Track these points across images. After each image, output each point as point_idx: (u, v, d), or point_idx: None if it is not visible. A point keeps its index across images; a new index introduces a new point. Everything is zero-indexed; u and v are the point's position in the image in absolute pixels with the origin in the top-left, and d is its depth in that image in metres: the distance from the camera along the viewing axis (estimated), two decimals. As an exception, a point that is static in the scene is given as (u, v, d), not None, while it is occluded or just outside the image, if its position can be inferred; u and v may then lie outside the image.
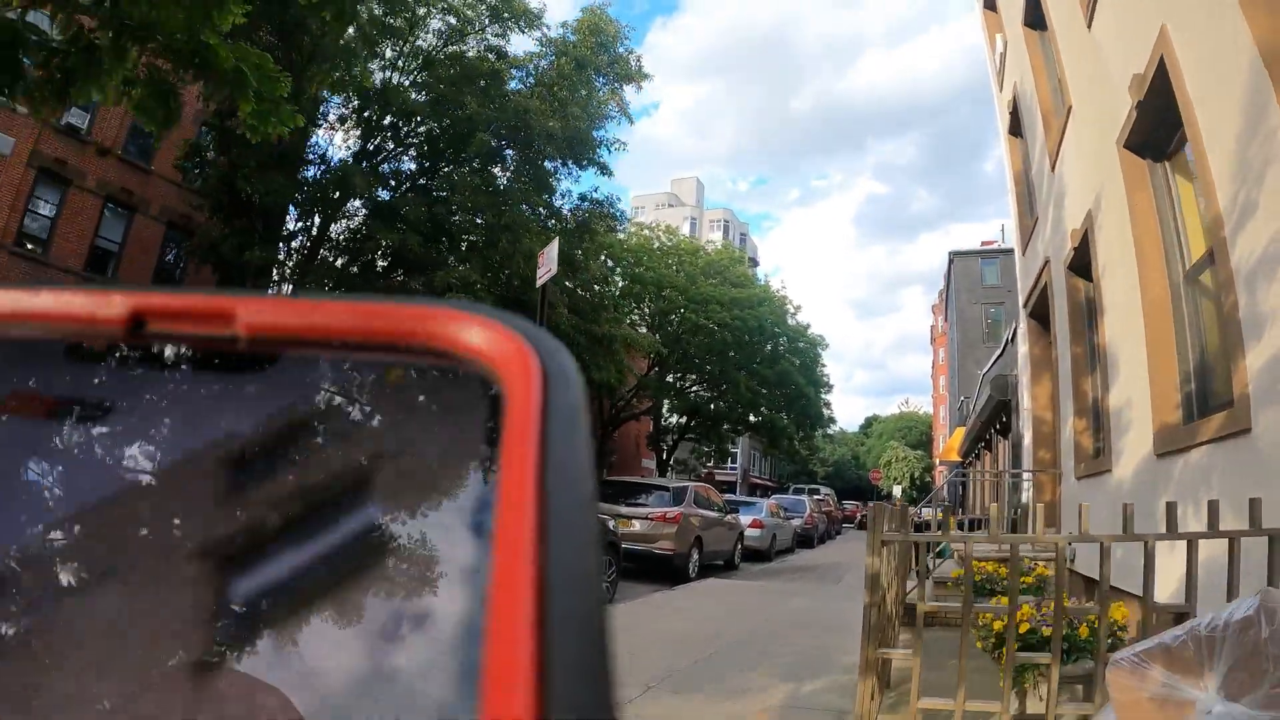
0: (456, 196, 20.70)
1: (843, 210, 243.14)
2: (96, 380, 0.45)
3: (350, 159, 21.21)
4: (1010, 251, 46.27)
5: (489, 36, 22.12)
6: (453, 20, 21.46)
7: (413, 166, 22.69)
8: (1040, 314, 13.40)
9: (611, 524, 13.09)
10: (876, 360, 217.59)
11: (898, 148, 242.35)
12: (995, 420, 18.77)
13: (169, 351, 0.43)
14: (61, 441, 0.44)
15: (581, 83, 22.20)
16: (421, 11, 20.60)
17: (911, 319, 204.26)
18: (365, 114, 21.02)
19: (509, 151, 21.65)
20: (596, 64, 22.59)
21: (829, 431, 55.98)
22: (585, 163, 23.26)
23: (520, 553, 0.32)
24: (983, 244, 49.92)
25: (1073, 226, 9.89)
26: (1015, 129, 15.34)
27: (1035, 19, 12.49)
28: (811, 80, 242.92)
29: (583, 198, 24.58)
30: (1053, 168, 11.33)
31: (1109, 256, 8.46)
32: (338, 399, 0.43)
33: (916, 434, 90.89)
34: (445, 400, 0.41)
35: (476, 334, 0.39)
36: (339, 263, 21.74)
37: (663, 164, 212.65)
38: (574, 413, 0.37)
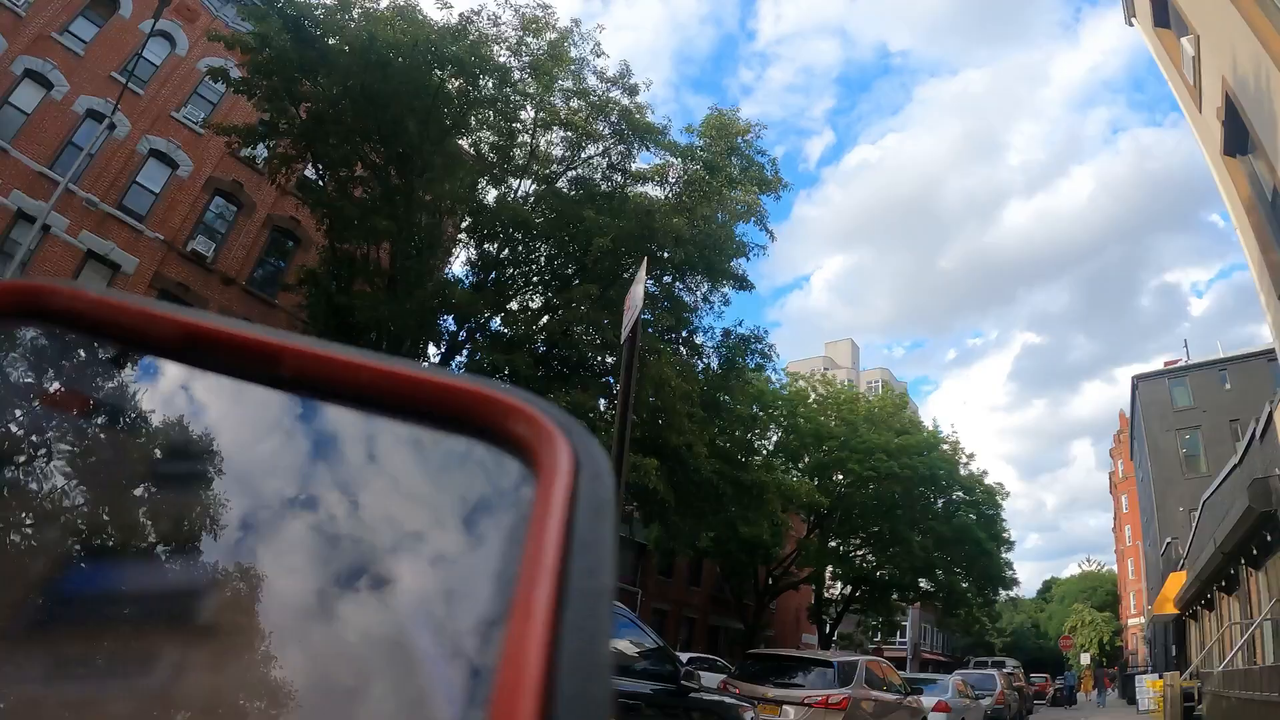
0: (575, 310, 18.28)
1: (1000, 366, 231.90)
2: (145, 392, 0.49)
3: (470, 286, 19.50)
4: (1209, 365, 40.80)
5: (611, 156, 20.25)
6: (571, 135, 19.79)
7: (537, 301, 20.66)
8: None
9: (750, 715, 8.91)
10: (1048, 521, 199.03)
11: (1050, 296, 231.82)
12: (1245, 549, 13.93)
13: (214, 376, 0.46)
14: (106, 443, 0.50)
15: (713, 190, 19.81)
16: (535, 139, 19.16)
17: (1082, 473, 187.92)
18: (480, 230, 19.29)
19: (631, 259, 19.19)
20: (728, 170, 20.15)
21: (1012, 594, 49.67)
22: (720, 277, 20.50)
23: (532, 634, 0.32)
24: (1166, 364, 43.82)
25: None
26: (1235, 145, 11.76)
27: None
28: (957, 237, 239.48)
29: (727, 332, 21.74)
30: None
31: None
32: (370, 453, 0.44)
33: (1102, 594, 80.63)
34: (475, 473, 0.42)
35: (514, 416, 0.39)
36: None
37: (817, 335, 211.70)
38: (602, 504, 0.37)
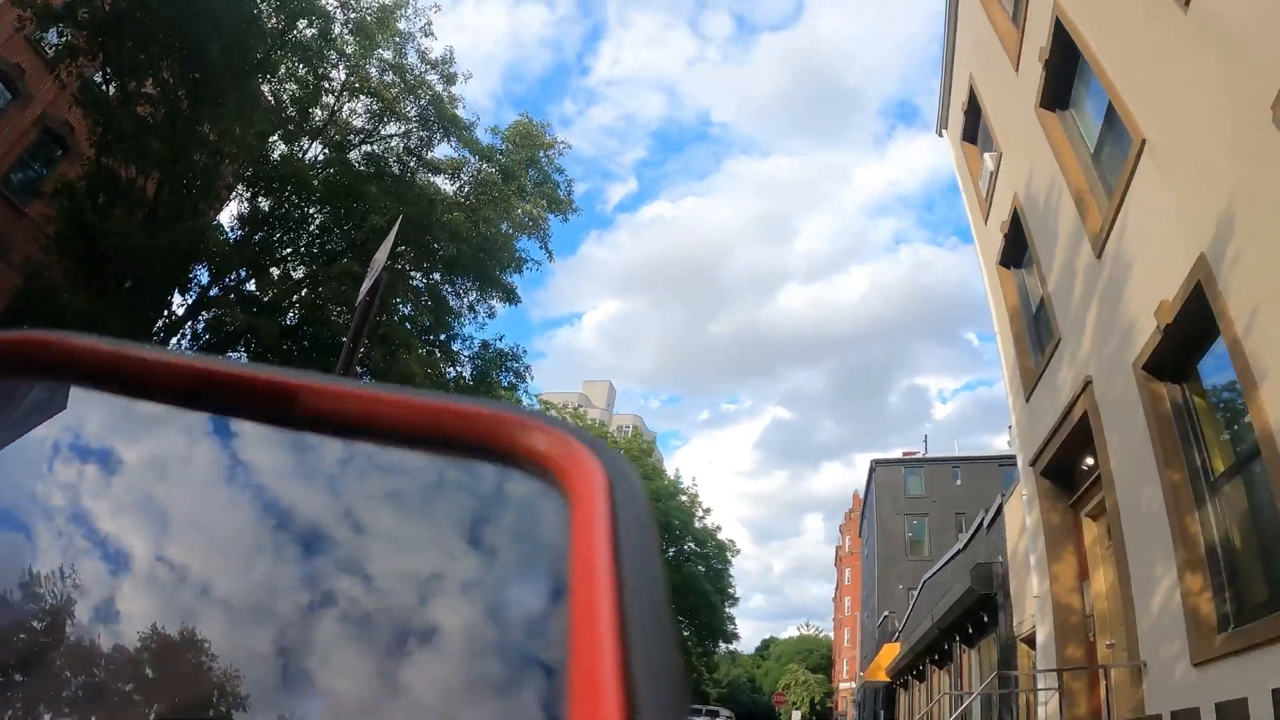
0: (334, 287, 17.12)
1: (749, 434, 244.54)
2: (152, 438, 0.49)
3: (234, 241, 17.77)
4: (943, 461, 44.99)
5: (411, 140, 19.36)
6: (376, 107, 18.70)
7: (300, 272, 19.23)
8: (1061, 470, 10.16)
9: None
10: (774, 585, 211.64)
11: (808, 377, 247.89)
12: (961, 627, 15.06)
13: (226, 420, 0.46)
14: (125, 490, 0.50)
15: (503, 197, 19.34)
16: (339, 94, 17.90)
17: (811, 544, 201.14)
18: (258, 182, 17.72)
19: (404, 247, 18.28)
20: (522, 180, 19.81)
21: (732, 648, 51.75)
22: (490, 286, 20.01)
23: (602, 656, 0.31)
24: (905, 454, 47.84)
25: (1163, 298, 6.85)
26: (1011, 257, 12.81)
27: (1058, 95, 10.13)
28: (732, 307, 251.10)
29: (485, 344, 21.17)
30: (1099, 253, 8.50)
31: (1258, 291, 5.41)
32: (396, 488, 0.44)
33: (817, 657, 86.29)
34: (506, 500, 0.41)
35: (541, 438, 0.39)
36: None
37: (578, 373, 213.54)
38: (643, 521, 0.37)
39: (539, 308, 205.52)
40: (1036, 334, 11.81)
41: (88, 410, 0.51)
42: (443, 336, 20.39)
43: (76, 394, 0.51)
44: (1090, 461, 9.50)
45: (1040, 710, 9.36)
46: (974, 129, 15.05)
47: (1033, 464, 10.64)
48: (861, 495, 60.25)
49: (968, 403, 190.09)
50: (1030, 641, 11.36)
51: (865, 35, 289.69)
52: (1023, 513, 11.30)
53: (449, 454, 0.41)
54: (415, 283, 19.35)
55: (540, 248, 20.55)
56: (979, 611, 13.21)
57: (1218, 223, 6.14)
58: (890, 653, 26.16)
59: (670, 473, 39.32)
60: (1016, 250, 12.64)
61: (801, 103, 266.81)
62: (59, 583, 0.47)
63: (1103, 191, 8.92)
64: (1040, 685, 9.22)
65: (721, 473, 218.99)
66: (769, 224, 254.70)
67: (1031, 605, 10.74)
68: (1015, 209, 12.05)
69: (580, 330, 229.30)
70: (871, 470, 47.34)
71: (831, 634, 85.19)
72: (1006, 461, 40.93)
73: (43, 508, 0.50)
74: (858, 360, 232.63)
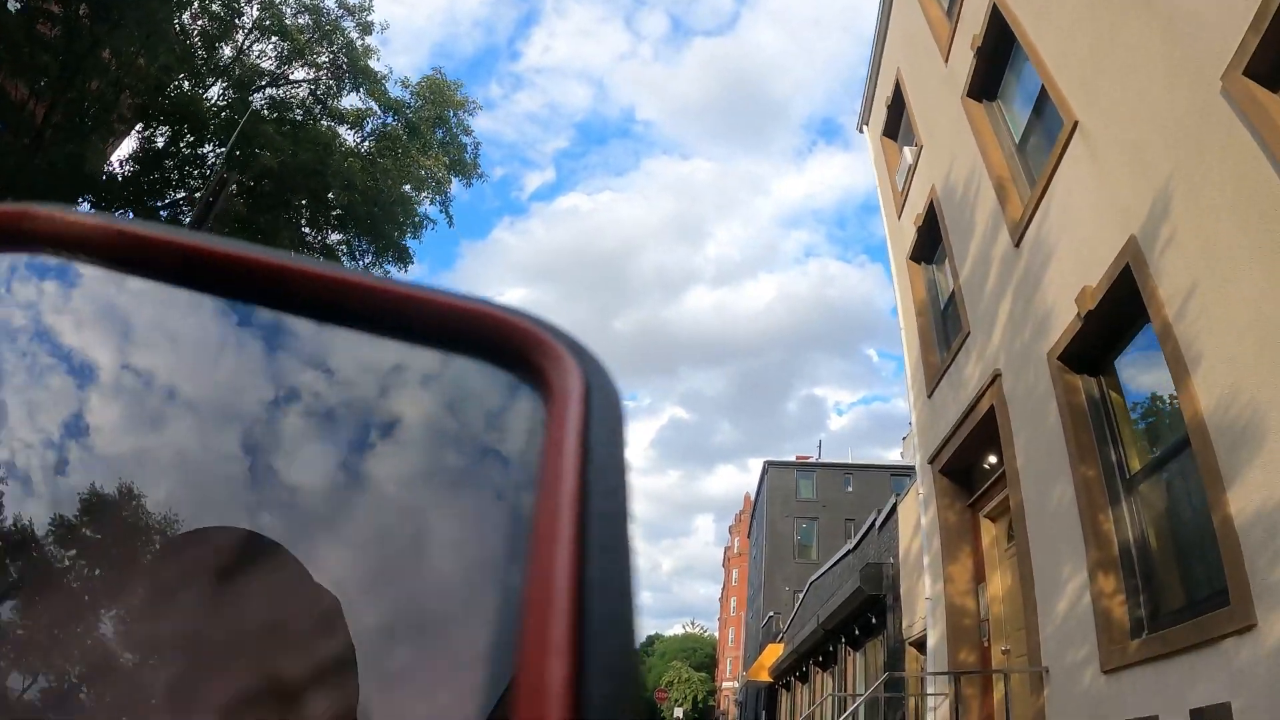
0: (219, 230, 15.72)
1: (646, 431, 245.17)
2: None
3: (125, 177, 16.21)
4: (836, 467, 45.49)
5: (318, 89, 18.10)
6: (286, 50, 17.35)
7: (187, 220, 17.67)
8: (961, 469, 9.86)
9: None
10: (661, 583, 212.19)
11: (708, 379, 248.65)
12: (847, 628, 14.79)
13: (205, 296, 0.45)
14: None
15: (406, 153, 18.26)
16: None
17: (701, 545, 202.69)
18: (154, 115, 16.20)
19: (296, 195, 16.99)
20: (428, 138, 18.77)
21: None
22: (387, 248, 18.90)
23: (559, 557, 0.32)
24: (798, 458, 48.19)
25: (1086, 284, 6.51)
26: (922, 252, 12.56)
27: (987, 85, 9.83)
28: (638, 304, 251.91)
29: None
30: (1017, 242, 8.19)
31: (1194, 273, 5.05)
32: (378, 376, 0.44)
33: (701, 655, 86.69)
34: (484, 395, 0.41)
35: (521, 336, 0.39)
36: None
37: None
38: (615, 426, 0.37)
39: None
40: (944, 329, 11.57)
41: (72, 283, 0.50)
42: None
43: (59, 267, 0.49)
44: (994, 460, 9.20)
45: (930, 716, 9.00)
46: (895, 124, 14.86)
47: (931, 461, 10.32)
48: (753, 497, 60.65)
49: (862, 416, 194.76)
50: (920, 645, 11.07)
51: (797, 50, 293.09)
52: (918, 512, 11.00)
53: (432, 345, 0.41)
54: (308, 238, 18.05)
55: (440, 211, 19.51)
56: (867, 613, 12.92)
57: (1152, 203, 5.78)
58: (773, 653, 26.02)
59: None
60: (929, 245, 12.43)
61: (727, 109, 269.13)
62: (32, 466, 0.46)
63: (1025, 180, 8.64)
64: (930, 690, 8.86)
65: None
66: (683, 226, 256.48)
67: (923, 607, 10.43)
68: (931, 201, 11.79)
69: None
70: (764, 471, 47.43)
71: (717, 634, 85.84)
72: (899, 471, 41.87)
73: (22, 381, 0.49)
74: (759, 366, 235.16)
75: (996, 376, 8.55)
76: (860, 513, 38.70)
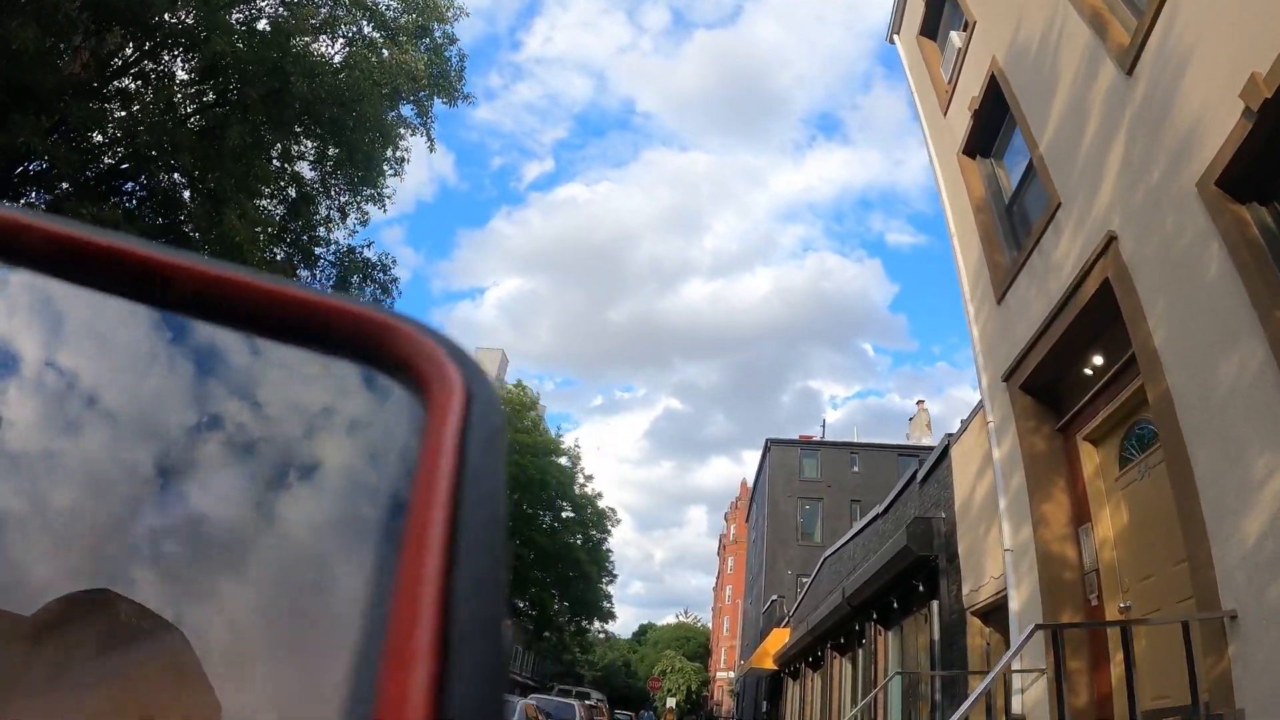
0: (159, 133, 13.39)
1: (640, 423, 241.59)
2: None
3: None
4: (842, 446, 43.06)
5: None
6: None
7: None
8: (1048, 383, 7.70)
9: None
10: (654, 573, 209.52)
11: (702, 371, 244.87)
12: (880, 601, 12.56)
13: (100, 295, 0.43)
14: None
15: (383, 60, 15.86)
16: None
17: (693, 536, 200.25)
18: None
19: (251, 87, 14.53)
20: (409, 51, 16.30)
21: (606, 628, 49.46)
22: (363, 166, 16.61)
23: (428, 562, 0.32)
24: (801, 437, 45.92)
25: (1255, 69, 4.45)
26: (977, 144, 10.40)
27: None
28: (634, 295, 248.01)
29: (351, 249, 17.76)
30: (1130, 69, 6.21)
31: None
32: (257, 376, 0.42)
33: (694, 646, 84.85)
34: (364, 399, 0.40)
35: (405, 341, 0.38)
36: None
37: (474, 345, 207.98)
38: (494, 434, 0.37)
39: (440, 279, 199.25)
40: (1010, 226, 9.42)
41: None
42: (299, 226, 16.78)
43: None
44: (1099, 360, 7.04)
45: (1016, 701, 6.81)
46: (935, 19, 12.74)
47: (1007, 379, 8.12)
48: (750, 484, 58.56)
49: (857, 410, 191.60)
50: (986, 614, 8.88)
51: (798, 44, 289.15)
52: (985, 447, 8.82)
53: (314, 348, 0.39)
54: (267, 140, 15.54)
55: (418, 118, 17.16)
56: (911, 581, 10.71)
57: None
58: (779, 639, 23.82)
59: (553, 432, 36.17)
60: (986, 133, 10.30)
61: (727, 102, 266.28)
62: None
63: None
64: (1017, 666, 6.66)
65: (609, 459, 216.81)
66: (680, 217, 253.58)
67: (995, 565, 8.25)
68: (992, 75, 9.61)
69: (481, 305, 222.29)
70: (766, 450, 44.97)
71: (710, 624, 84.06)
72: (906, 452, 39.74)
73: None
74: (754, 358, 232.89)
75: (1110, 241, 6.38)
76: (867, 495, 36.64)
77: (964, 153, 10.76)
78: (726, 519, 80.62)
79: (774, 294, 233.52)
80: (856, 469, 41.25)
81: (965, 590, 9.04)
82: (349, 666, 0.32)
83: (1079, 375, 7.31)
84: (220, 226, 12.84)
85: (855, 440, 44.24)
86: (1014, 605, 7.31)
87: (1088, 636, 6.52)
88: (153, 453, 0.41)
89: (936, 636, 9.68)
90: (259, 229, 14.30)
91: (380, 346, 0.38)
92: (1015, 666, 6.62)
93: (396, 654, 0.29)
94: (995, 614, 8.53)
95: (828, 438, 45.78)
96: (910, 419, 46.85)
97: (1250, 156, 4.98)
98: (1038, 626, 4.60)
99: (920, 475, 11.78)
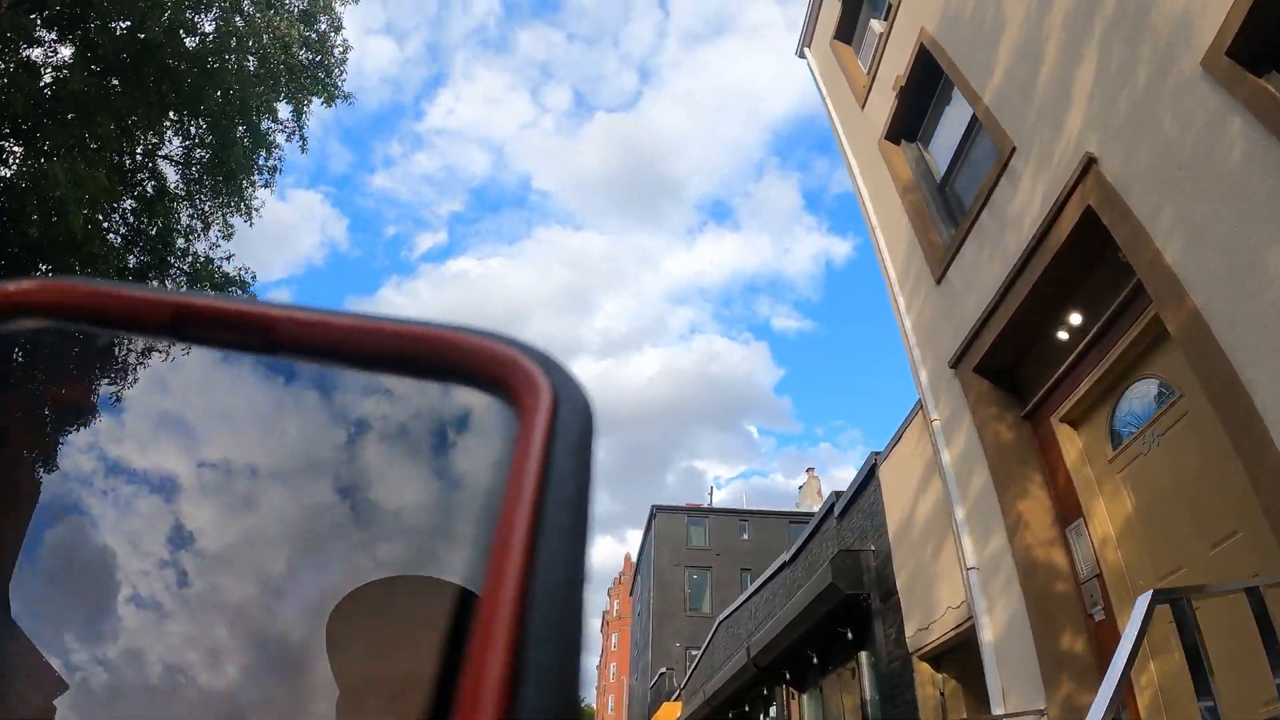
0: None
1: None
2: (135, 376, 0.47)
3: None
4: (730, 513, 41.58)
5: None
6: None
7: None
8: (1004, 364, 6.44)
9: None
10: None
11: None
12: (795, 658, 10.90)
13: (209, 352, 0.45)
14: (102, 426, 0.48)
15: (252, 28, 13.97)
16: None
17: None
18: None
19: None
20: (288, 35, 14.39)
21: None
22: (227, 159, 14.50)
23: (509, 566, 0.33)
24: (689, 505, 44.29)
25: None
26: (901, 129, 9.46)
27: None
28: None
29: (207, 260, 15.40)
30: None
31: None
32: (362, 407, 0.44)
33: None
34: (462, 418, 0.42)
35: (493, 358, 0.40)
36: None
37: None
38: (582, 439, 0.38)
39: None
40: (944, 203, 8.33)
41: (74, 348, 0.49)
42: (156, 230, 14.42)
43: (57, 335, 0.47)
44: (1076, 319, 5.79)
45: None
46: (851, 21, 11.97)
47: (955, 365, 6.80)
48: (635, 556, 56.49)
49: (741, 490, 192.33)
50: (937, 657, 7.35)
51: (695, 132, 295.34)
52: (927, 455, 7.45)
53: (414, 374, 0.41)
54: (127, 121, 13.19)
55: (292, 112, 15.25)
56: (834, 628, 9.12)
57: None
58: (670, 713, 21.75)
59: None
60: (914, 113, 9.37)
61: (622, 185, 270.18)
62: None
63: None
64: (1003, 711, 5.11)
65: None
66: (571, 296, 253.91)
67: (949, 594, 6.77)
68: (921, 45, 8.66)
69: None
70: (651, 517, 42.88)
71: (594, 703, 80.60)
72: (798, 519, 38.70)
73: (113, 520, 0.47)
74: (640, 438, 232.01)
75: (1089, 164, 5.18)
76: (759, 561, 35.11)
77: (887, 138, 9.77)
78: (610, 595, 77.84)
79: (662, 374, 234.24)
80: (746, 536, 39.79)
81: (910, 631, 7.50)
82: (434, 659, 0.34)
83: (1049, 346, 6.04)
84: (45, 184, 10.50)
85: (745, 507, 42.93)
86: (986, 635, 5.80)
87: (1082, 654, 5.06)
88: (331, 492, 0.43)
89: (872, 694, 8.08)
90: (101, 215, 11.95)
91: (473, 365, 0.39)
92: (1003, 711, 5.09)
93: (475, 649, 0.31)
94: (952, 655, 7.03)
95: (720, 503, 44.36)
96: (800, 487, 46.13)
97: (1263, 19, 3.94)
98: (1158, 594, 3.10)
99: (838, 509, 10.33)
